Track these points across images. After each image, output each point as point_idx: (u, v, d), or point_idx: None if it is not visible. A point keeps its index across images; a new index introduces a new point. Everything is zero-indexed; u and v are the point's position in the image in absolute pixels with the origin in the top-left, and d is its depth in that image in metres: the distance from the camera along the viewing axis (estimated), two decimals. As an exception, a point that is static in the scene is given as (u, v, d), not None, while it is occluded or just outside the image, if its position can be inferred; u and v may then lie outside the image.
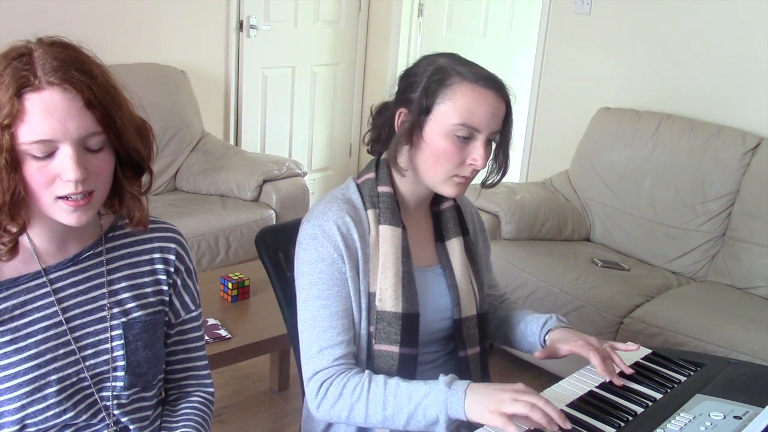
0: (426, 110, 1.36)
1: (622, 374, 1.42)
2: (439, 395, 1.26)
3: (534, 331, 1.55)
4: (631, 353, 1.52)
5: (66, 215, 1.07)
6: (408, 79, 1.41)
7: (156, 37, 3.82)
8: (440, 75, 1.36)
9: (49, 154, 1.03)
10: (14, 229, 1.08)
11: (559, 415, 1.19)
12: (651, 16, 3.44)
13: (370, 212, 1.43)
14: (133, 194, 1.15)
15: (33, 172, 1.03)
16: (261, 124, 4.42)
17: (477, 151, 1.36)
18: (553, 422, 1.19)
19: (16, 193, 1.03)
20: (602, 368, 1.38)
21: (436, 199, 1.53)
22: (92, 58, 1.08)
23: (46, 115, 1.01)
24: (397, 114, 1.41)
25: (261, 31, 4.22)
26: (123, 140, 1.08)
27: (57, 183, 1.04)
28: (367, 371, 1.35)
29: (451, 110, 1.34)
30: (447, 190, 1.42)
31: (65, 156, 1.02)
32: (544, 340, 1.53)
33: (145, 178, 1.18)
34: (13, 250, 1.09)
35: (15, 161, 1.02)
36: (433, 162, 1.38)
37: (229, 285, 2.54)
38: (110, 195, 1.13)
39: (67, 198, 1.05)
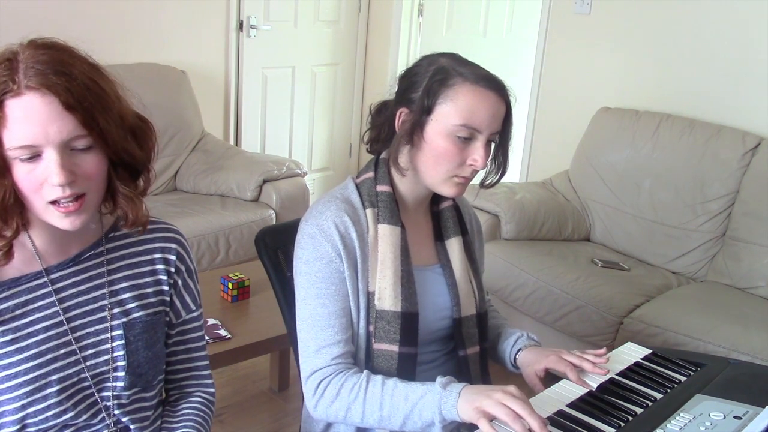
0: (427, 110, 1.36)
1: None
2: (434, 396, 1.26)
3: (504, 348, 1.57)
4: (630, 353, 1.52)
5: (59, 220, 1.07)
6: (409, 78, 1.41)
7: (156, 37, 3.82)
8: (442, 75, 1.36)
9: (36, 159, 1.02)
10: (8, 234, 1.07)
11: (540, 425, 1.16)
12: (651, 16, 3.44)
13: (369, 211, 1.43)
14: (126, 195, 1.14)
15: (22, 177, 1.03)
16: (261, 124, 4.42)
17: (477, 151, 1.36)
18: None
19: (6, 197, 1.03)
20: (580, 383, 1.39)
21: (436, 198, 1.53)
22: (82, 58, 1.07)
23: (26, 120, 1.00)
24: (398, 114, 1.41)
25: (261, 31, 4.22)
26: (109, 141, 1.06)
27: (45, 187, 1.04)
28: (365, 371, 1.35)
29: (452, 111, 1.34)
30: (447, 190, 1.42)
31: (49, 160, 1.02)
32: (515, 359, 1.54)
33: (141, 179, 1.16)
34: (8, 254, 1.09)
35: (3, 167, 1.02)
36: (434, 162, 1.38)
37: (229, 285, 2.54)
38: (105, 196, 1.13)
39: (58, 204, 1.05)
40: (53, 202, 1.05)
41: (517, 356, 1.53)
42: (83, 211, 1.07)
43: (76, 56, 1.06)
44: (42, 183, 1.03)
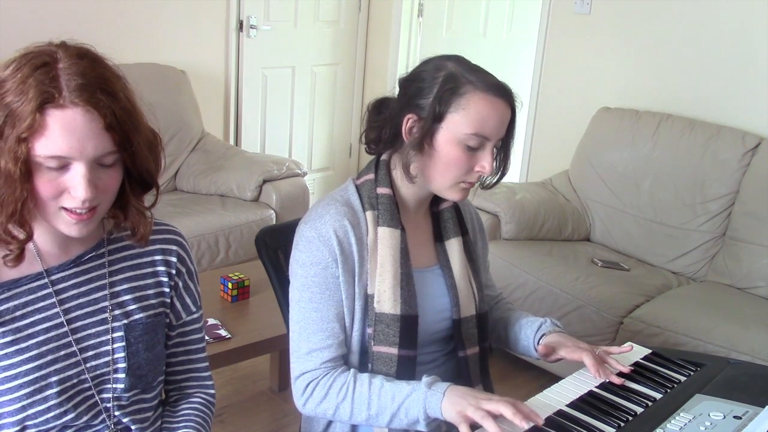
0: (438, 118, 1.36)
1: (621, 374, 1.42)
2: (420, 395, 1.29)
3: (528, 335, 1.56)
4: (630, 353, 1.52)
5: (67, 227, 1.08)
6: (416, 84, 1.39)
7: (156, 37, 3.82)
8: (452, 83, 1.35)
9: (62, 168, 1.03)
10: (22, 236, 1.08)
11: (521, 421, 1.18)
12: (651, 16, 3.44)
13: (369, 214, 1.43)
14: (138, 209, 1.16)
15: (44, 183, 1.04)
16: (261, 124, 4.42)
17: (486, 158, 1.37)
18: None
19: (28, 201, 1.04)
20: (595, 369, 1.39)
21: (436, 199, 1.53)
22: (116, 73, 1.08)
23: (66, 133, 1.00)
24: (405, 120, 1.39)
25: (261, 31, 4.22)
26: (137, 161, 1.09)
27: (65, 195, 1.05)
28: (351, 370, 1.37)
29: (463, 120, 1.34)
30: (452, 195, 1.42)
31: (77, 173, 1.03)
32: (538, 343, 1.53)
33: (150, 194, 1.18)
34: (20, 256, 1.09)
35: (29, 171, 1.02)
36: (443, 169, 1.38)
37: (229, 285, 2.54)
38: (115, 207, 1.14)
39: (72, 210, 1.06)
40: (66, 208, 1.06)
41: (540, 341, 1.53)
42: (93, 221, 1.09)
43: (110, 70, 1.07)
44: (62, 191, 1.04)
